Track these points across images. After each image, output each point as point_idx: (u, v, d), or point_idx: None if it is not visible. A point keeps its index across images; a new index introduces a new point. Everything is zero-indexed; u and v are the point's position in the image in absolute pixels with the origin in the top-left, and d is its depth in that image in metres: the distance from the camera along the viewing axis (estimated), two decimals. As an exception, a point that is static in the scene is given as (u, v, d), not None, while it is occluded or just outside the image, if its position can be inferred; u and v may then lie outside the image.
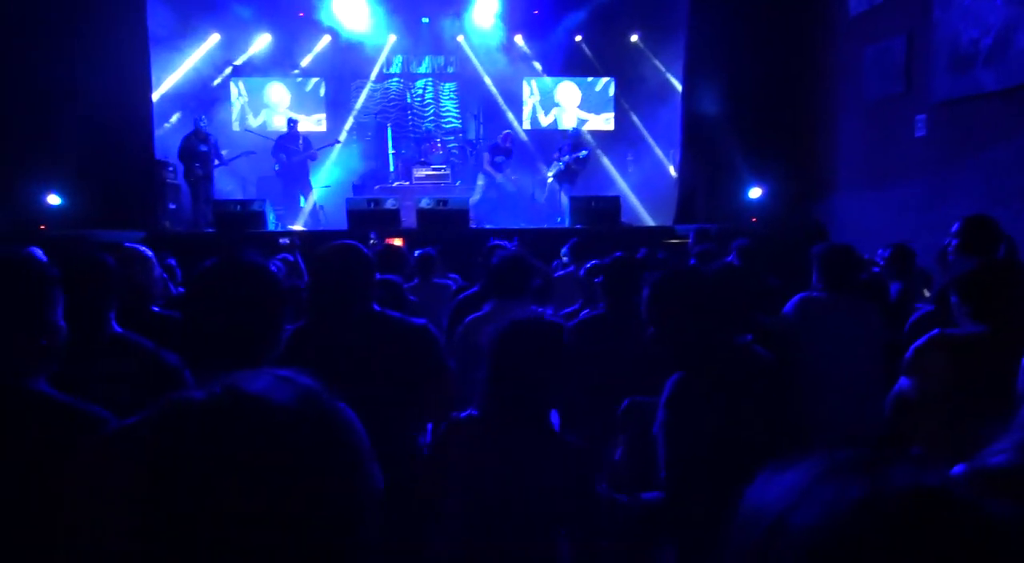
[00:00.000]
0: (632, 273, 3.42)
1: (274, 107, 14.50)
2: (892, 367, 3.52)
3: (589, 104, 15.01)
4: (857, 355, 3.51)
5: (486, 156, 12.94)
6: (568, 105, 15.04)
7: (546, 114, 15.00)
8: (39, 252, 6.07)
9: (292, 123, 12.63)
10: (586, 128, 14.39)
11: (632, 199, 13.82)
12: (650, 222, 12.81)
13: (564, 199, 12.09)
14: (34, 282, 1.59)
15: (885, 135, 8.75)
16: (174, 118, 13.04)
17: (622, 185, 14.16)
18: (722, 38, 10.53)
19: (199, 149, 11.14)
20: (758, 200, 10.75)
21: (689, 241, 8.46)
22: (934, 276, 5.35)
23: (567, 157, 12.41)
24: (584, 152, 12.63)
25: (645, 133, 14.38)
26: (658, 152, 14.05)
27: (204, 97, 13.82)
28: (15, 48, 9.30)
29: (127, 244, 3.04)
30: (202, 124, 11.37)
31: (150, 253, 3.02)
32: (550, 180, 12.92)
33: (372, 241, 7.98)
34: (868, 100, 9.00)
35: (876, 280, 4.60)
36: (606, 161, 14.41)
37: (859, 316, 3.61)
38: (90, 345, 2.12)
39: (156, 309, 2.93)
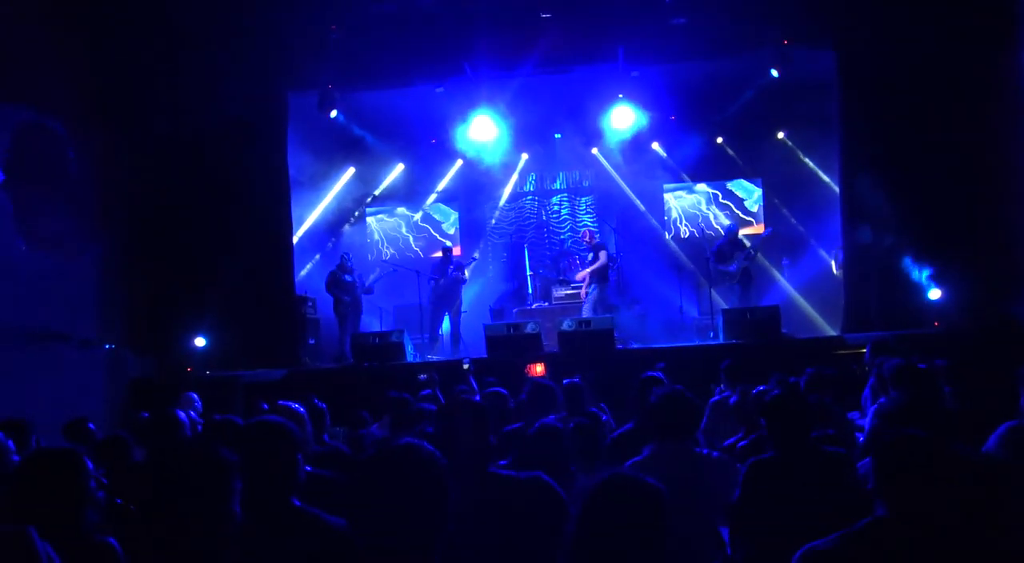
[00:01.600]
0: (799, 414, 3.29)
1: (408, 236, 15.43)
2: None
3: (734, 208, 15.00)
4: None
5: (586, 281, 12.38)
6: (711, 210, 15.08)
7: (687, 222, 15.08)
8: (195, 397, 6.55)
9: (447, 249, 13.32)
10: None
11: (802, 304, 13.48)
12: (826, 328, 12.32)
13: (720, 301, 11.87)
14: (216, 474, 1.72)
15: (1088, 222, 8.18)
16: (310, 263, 14.06)
17: (787, 288, 13.84)
18: (881, 126, 10.29)
19: (344, 279, 11.98)
20: (939, 301, 10.17)
21: (865, 354, 8.07)
22: None
23: (740, 254, 11.94)
24: (752, 250, 12.23)
25: (803, 231, 14.11)
26: (821, 252, 13.69)
27: (340, 230, 14.92)
28: (165, 204, 10.40)
29: (280, 402, 3.23)
30: (347, 257, 12.43)
31: (302, 410, 3.20)
32: (718, 299, 12.55)
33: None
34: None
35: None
36: (766, 265, 14.12)
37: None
38: (275, 522, 2.20)
39: (308, 468, 3.06)
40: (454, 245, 15.01)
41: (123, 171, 10.24)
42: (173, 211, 10.42)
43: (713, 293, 12.53)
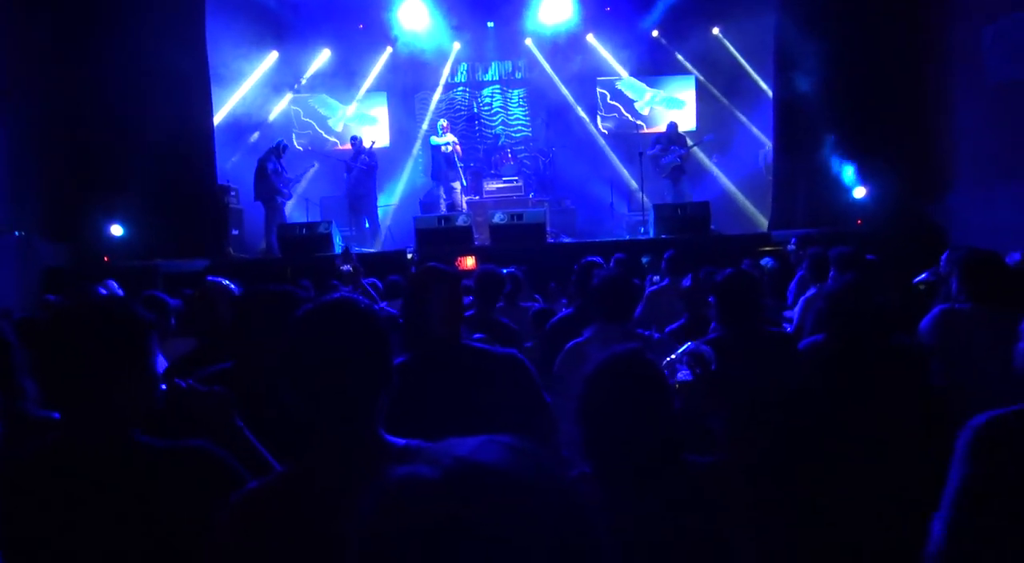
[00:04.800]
0: (751, 293, 3.30)
1: (335, 125, 14.90)
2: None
3: (668, 102, 14.88)
4: (1013, 376, 3.28)
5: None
6: (645, 104, 14.94)
7: (621, 115, 14.93)
8: (115, 284, 6.26)
9: (355, 141, 12.84)
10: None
11: (738, 197, 13.64)
12: (761, 219, 12.48)
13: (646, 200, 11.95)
14: (139, 331, 1.59)
15: (1012, 123, 8.36)
16: (244, 146, 13.50)
17: (724, 181, 13.94)
18: (817, 23, 10.17)
19: (278, 168, 11.49)
20: (863, 200, 10.39)
21: (789, 248, 8.21)
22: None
23: (676, 149, 12.15)
24: (692, 144, 12.46)
25: (744, 120, 14.04)
26: (762, 137, 13.64)
27: (265, 118, 14.28)
28: (77, 81, 9.71)
29: (210, 278, 3.06)
30: (284, 145, 11.86)
31: (235, 287, 3.03)
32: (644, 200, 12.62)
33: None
34: (989, 84, 8.63)
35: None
36: (702, 158, 14.09)
37: (1013, 330, 3.38)
38: None
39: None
40: (383, 138, 14.58)
41: (35, 51, 9.52)
42: (88, 94, 9.75)
43: (643, 190, 12.55)
